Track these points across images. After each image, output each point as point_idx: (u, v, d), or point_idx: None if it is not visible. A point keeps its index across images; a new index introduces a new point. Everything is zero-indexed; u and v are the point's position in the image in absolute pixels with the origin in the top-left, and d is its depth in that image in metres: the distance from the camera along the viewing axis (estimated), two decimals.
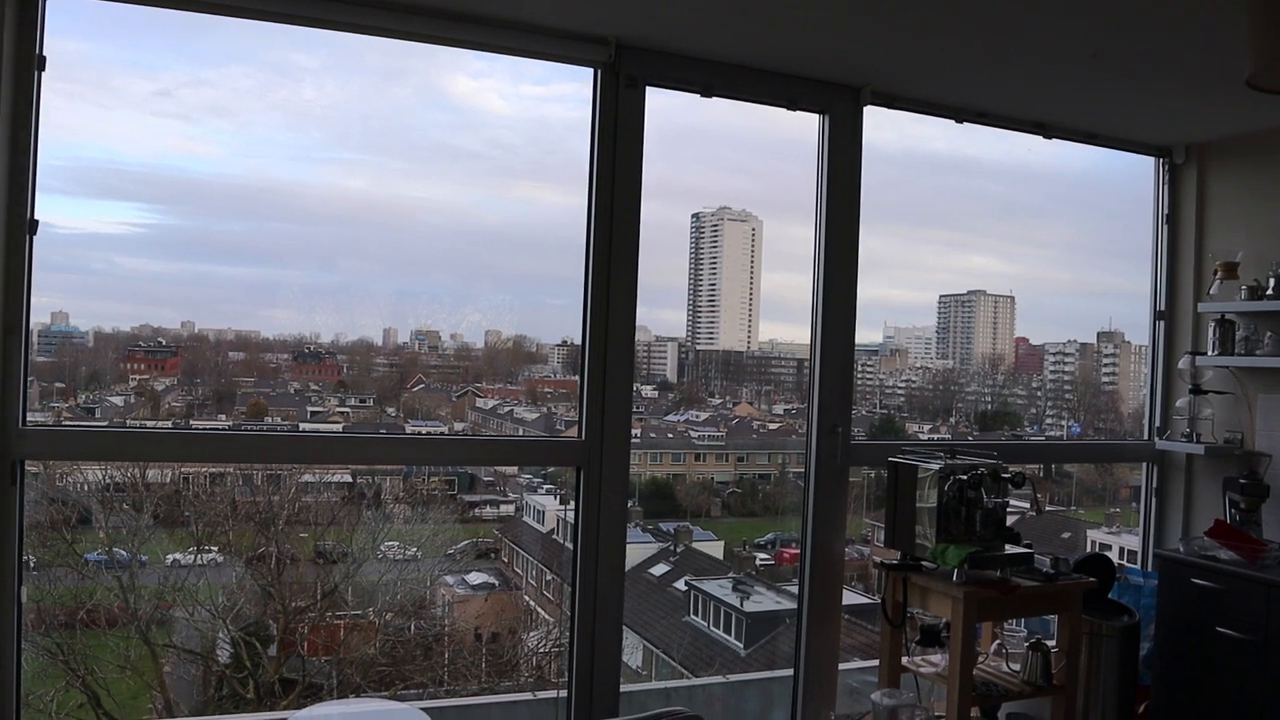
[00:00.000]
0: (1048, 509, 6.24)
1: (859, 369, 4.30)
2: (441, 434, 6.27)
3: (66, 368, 5.92)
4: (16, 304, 3.13)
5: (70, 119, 4.22)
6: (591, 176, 3.78)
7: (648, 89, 3.81)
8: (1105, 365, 6.93)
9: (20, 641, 3.27)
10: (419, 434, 6.10)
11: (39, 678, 5.73)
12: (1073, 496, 7.26)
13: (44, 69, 3.15)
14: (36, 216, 3.17)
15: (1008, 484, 3.66)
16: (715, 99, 3.96)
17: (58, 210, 3.81)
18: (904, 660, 3.86)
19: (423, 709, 3.66)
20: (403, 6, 3.40)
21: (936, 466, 3.67)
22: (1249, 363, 4.46)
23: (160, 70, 5.25)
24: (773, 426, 7.31)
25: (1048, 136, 4.59)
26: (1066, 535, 6.73)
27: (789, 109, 4.10)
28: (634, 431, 3.90)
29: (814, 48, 3.75)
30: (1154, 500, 5.01)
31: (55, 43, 3.20)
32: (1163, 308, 5.00)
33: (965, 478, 3.61)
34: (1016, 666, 3.80)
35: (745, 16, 3.45)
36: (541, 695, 4.84)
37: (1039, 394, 7.17)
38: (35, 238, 3.17)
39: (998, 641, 3.96)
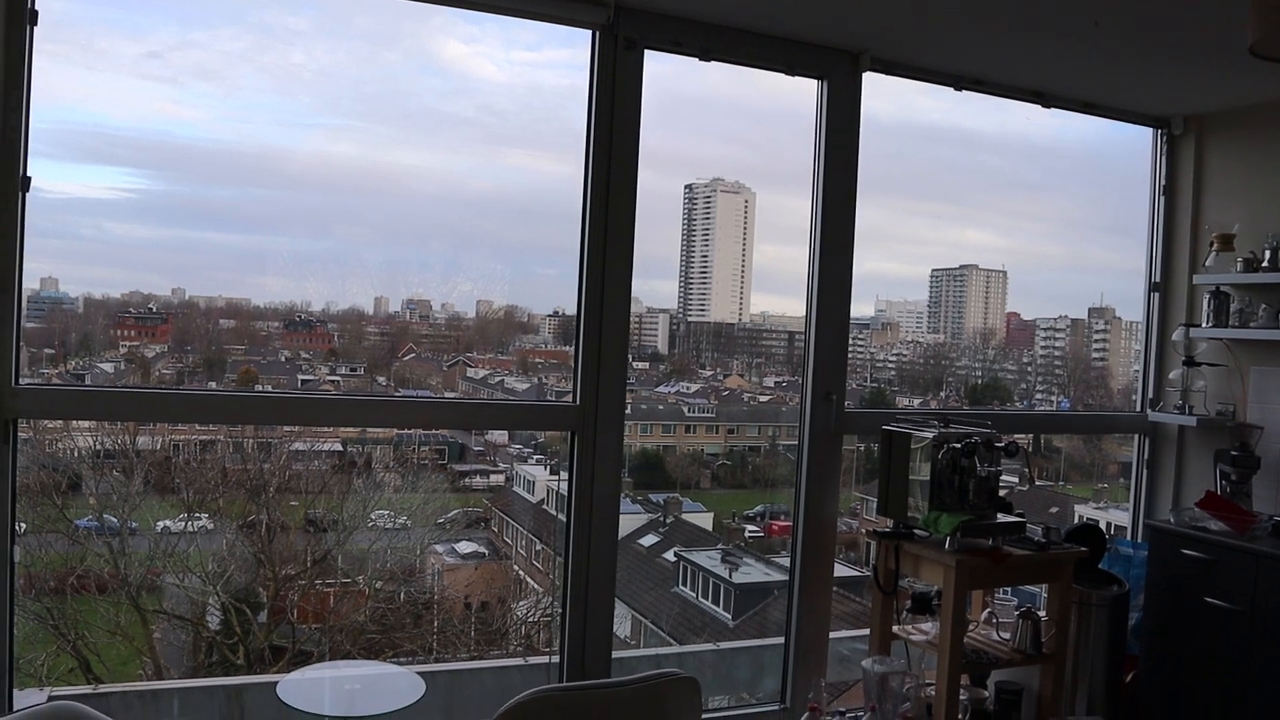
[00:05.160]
0: (1037, 483, 6.27)
1: (850, 342, 4.30)
2: (437, 398, 6.25)
3: (57, 334, 5.87)
4: (9, 262, 3.08)
5: (57, 81, 4.15)
6: (588, 141, 3.73)
7: (645, 53, 3.77)
8: (1096, 341, 6.95)
9: (13, 603, 3.25)
10: (414, 397, 6.08)
11: (29, 642, 5.72)
12: (1061, 472, 7.29)
13: (36, 23, 3.09)
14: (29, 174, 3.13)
15: (1001, 453, 3.66)
16: (712, 64, 3.91)
17: (46, 174, 3.75)
18: (895, 628, 3.88)
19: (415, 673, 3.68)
20: None
21: (930, 434, 3.68)
22: (1243, 335, 4.47)
23: (148, 32, 5.19)
24: (763, 399, 7.32)
25: (1046, 106, 4.56)
26: (1054, 510, 6.76)
27: (787, 73, 4.05)
28: (626, 400, 3.89)
29: (813, 11, 3.71)
30: (1145, 472, 5.03)
31: (43, 1, 3.14)
32: (1158, 279, 5.00)
33: (959, 446, 3.60)
34: (1007, 635, 3.82)
35: None
36: (533, 660, 4.86)
37: (1029, 369, 7.18)
38: (26, 197, 3.13)
39: (988, 610, 3.98)
